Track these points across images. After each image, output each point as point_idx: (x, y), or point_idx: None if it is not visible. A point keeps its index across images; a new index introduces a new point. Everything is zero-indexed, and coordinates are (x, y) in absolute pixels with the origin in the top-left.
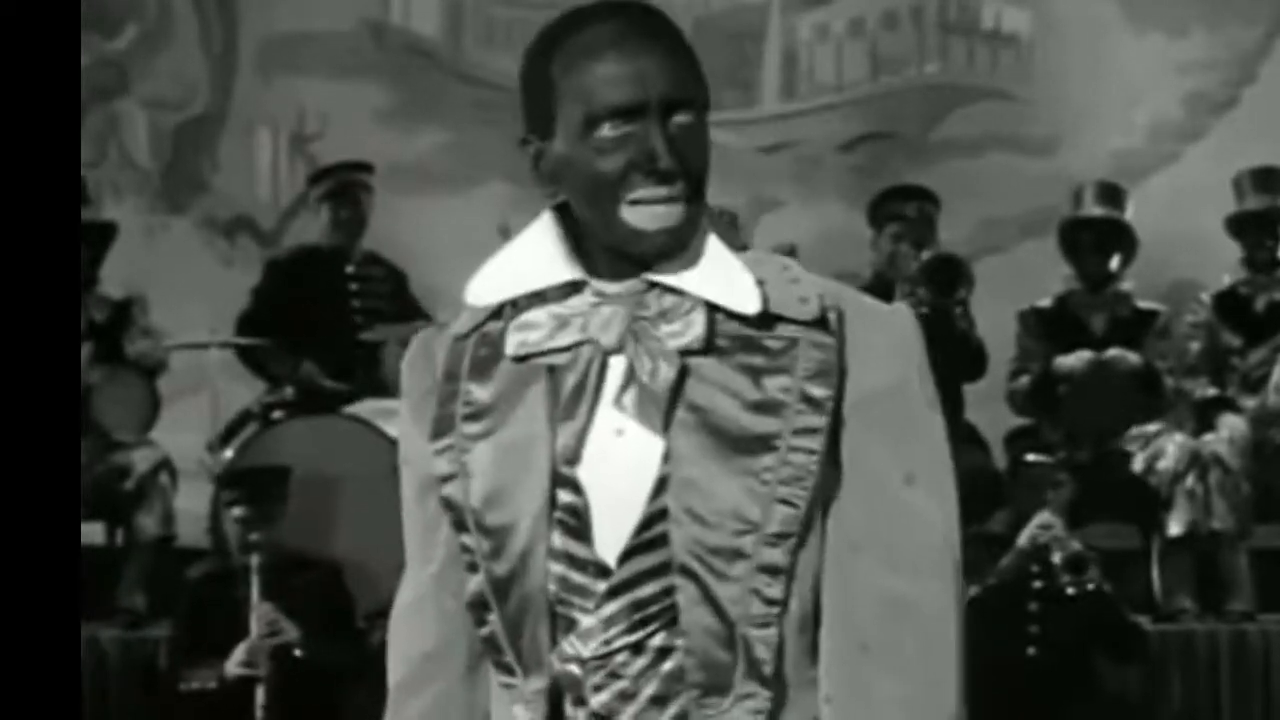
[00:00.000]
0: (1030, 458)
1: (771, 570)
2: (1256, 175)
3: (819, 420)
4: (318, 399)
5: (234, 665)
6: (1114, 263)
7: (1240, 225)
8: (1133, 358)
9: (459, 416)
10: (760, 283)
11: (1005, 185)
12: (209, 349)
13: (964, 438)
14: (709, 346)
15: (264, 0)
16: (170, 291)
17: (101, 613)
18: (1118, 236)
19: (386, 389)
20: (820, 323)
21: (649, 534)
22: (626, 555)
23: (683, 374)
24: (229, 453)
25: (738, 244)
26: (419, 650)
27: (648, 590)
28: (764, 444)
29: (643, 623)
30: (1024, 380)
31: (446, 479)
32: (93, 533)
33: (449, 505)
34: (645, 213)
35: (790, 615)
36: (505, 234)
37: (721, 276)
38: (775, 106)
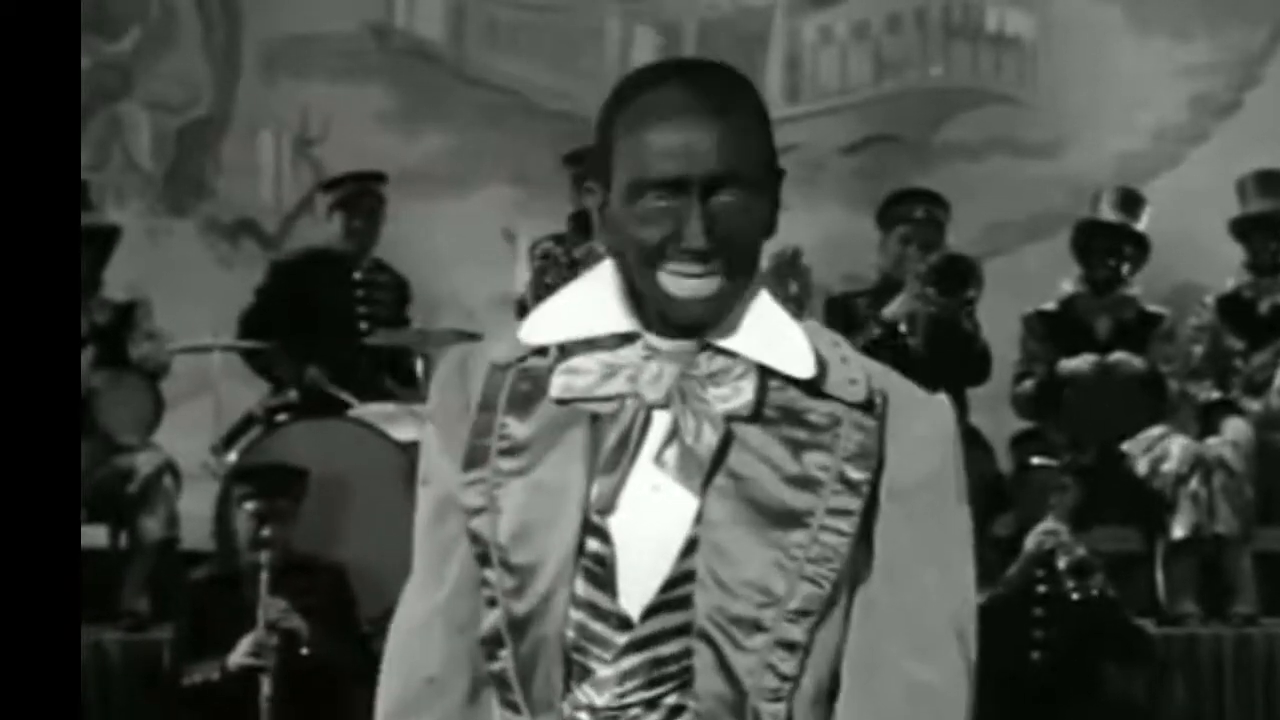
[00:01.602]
0: (1035, 461)
1: (789, 646)
2: (1260, 179)
3: (854, 503)
4: (322, 402)
5: (239, 656)
6: (1124, 268)
7: (1244, 229)
8: (1137, 361)
9: (494, 450)
10: (814, 350)
11: (1009, 188)
12: (212, 352)
13: (968, 441)
14: (755, 414)
15: (267, 2)
16: (173, 294)
17: (105, 615)
18: (1131, 244)
19: (390, 394)
20: (866, 406)
21: (674, 593)
22: (650, 612)
23: (726, 438)
24: (233, 456)
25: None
26: (422, 674)
27: (667, 649)
28: (797, 520)
29: (659, 680)
30: (1028, 383)
31: (475, 512)
32: (96, 535)
33: (475, 539)
34: (680, 283)
35: (802, 691)
36: (510, 239)
37: (775, 339)
38: (779, 109)
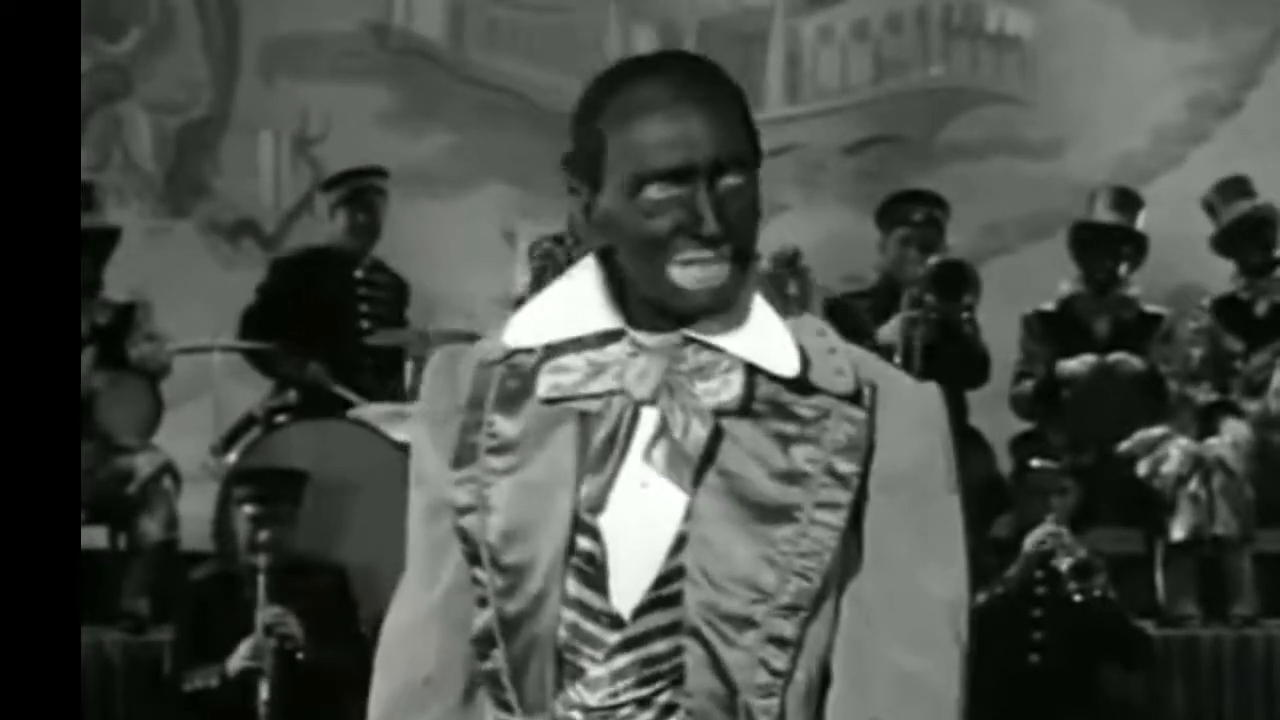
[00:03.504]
0: (1035, 463)
1: (780, 642)
2: (1226, 186)
3: (844, 496)
4: (321, 403)
5: (238, 660)
6: (1122, 269)
7: (1227, 240)
8: (1136, 362)
9: (483, 449)
10: (799, 347)
11: (1009, 189)
12: (212, 353)
13: (968, 442)
14: (744, 408)
15: (266, 2)
16: (173, 295)
17: (104, 617)
18: (1128, 243)
19: (391, 394)
20: (854, 397)
21: (664, 591)
22: (641, 610)
23: (715, 434)
24: (232, 457)
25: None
26: (417, 674)
27: (659, 647)
28: (786, 515)
29: (651, 679)
30: (1028, 384)
31: (465, 510)
32: (95, 537)
33: (465, 538)
34: (690, 273)
35: (794, 686)
36: (509, 240)
37: (763, 337)
38: (779, 110)
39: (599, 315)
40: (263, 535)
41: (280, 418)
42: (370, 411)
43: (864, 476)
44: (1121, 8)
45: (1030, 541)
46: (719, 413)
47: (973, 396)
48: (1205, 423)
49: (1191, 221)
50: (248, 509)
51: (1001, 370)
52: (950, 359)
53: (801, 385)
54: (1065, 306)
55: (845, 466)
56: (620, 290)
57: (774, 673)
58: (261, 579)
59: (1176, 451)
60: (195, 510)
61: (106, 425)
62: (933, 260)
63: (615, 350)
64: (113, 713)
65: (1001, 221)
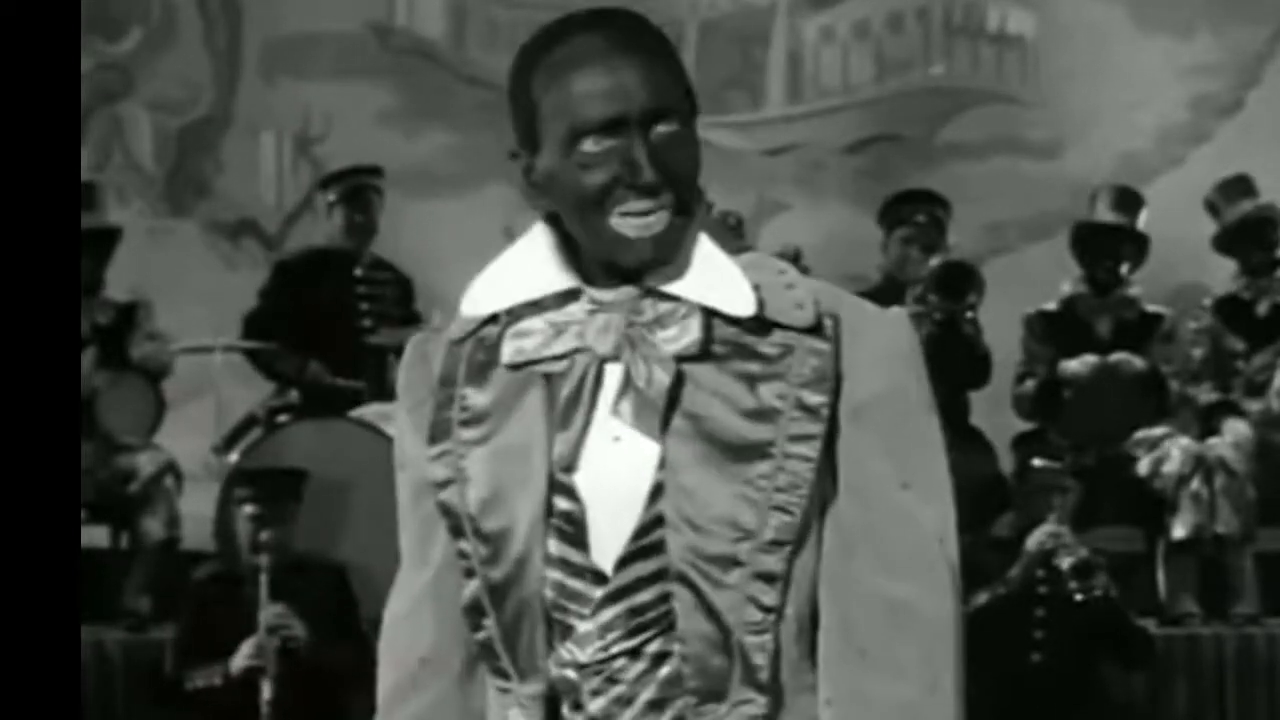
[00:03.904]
0: (1036, 463)
1: (767, 578)
2: (1229, 186)
3: (815, 427)
4: (323, 402)
5: (241, 659)
6: (1123, 269)
7: (1229, 240)
8: (1138, 362)
9: (455, 422)
10: (756, 287)
11: (1010, 188)
12: (213, 352)
13: (970, 442)
14: (705, 352)
15: (268, 2)
16: (174, 295)
17: (106, 616)
18: (1130, 243)
19: (393, 393)
20: (816, 328)
21: (645, 540)
22: (623, 562)
23: (679, 380)
24: (234, 456)
25: (739, 247)
26: (415, 655)
27: (644, 596)
28: (759, 451)
29: (640, 629)
30: (1029, 384)
31: (443, 484)
32: (97, 536)
33: (445, 510)
34: (631, 222)
35: (786, 622)
36: (511, 238)
37: (716, 280)
38: (780, 109)
39: (555, 276)
40: (264, 535)
41: (282, 417)
42: (372, 410)
43: (834, 407)
44: (1123, 7)
45: (1032, 541)
46: (681, 359)
47: (974, 396)
48: (1207, 422)
49: (1193, 221)
50: (248, 509)
51: (1003, 370)
52: (952, 359)
53: (761, 323)
54: (1067, 306)
55: (814, 398)
56: (573, 250)
57: (764, 609)
58: (263, 578)
59: (1178, 451)
60: (197, 510)
61: (108, 425)
62: (935, 260)
63: (574, 309)
64: (113, 712)
65: (1003, 221)
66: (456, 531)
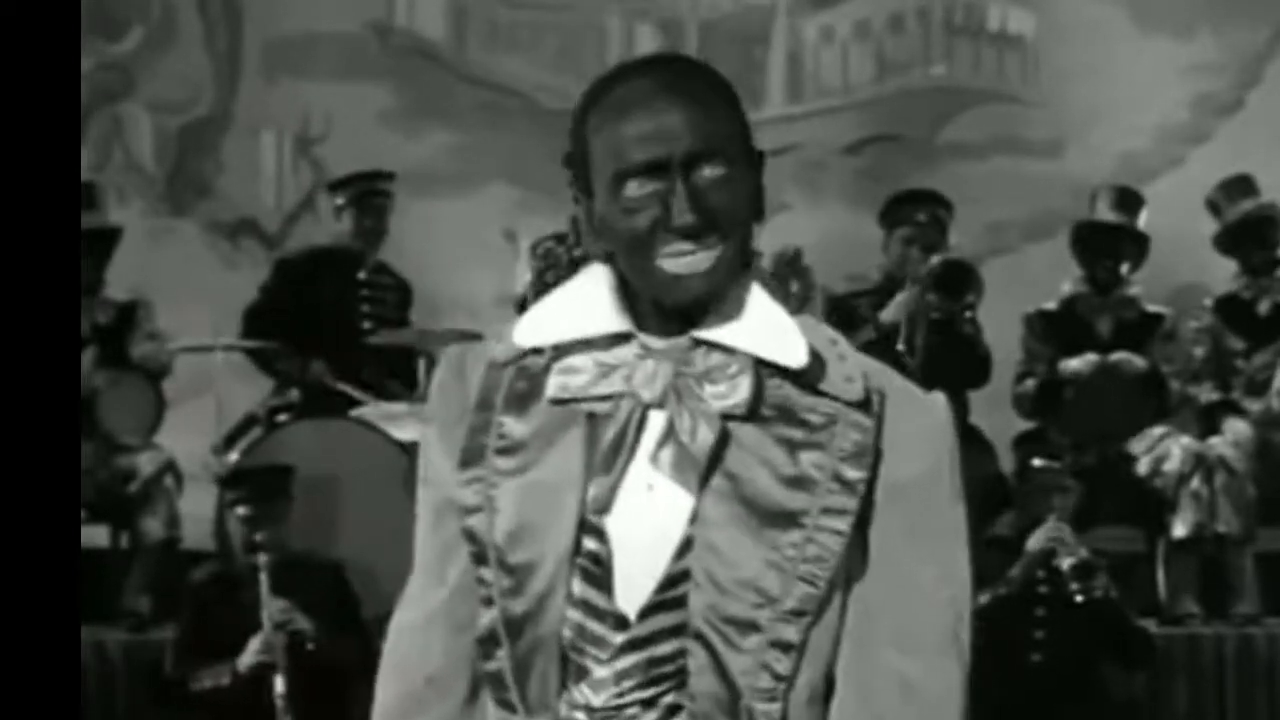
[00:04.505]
0: (1037, 462)
1: (784, 646)
2: (1230, 185)
3: (850, 502)
4: (323, 402)
5: (250, 656)
6: (1124, 268)
7: (1229, 239)
8: (1138, 361)
9: (491, 449)
10: (809, 345)
11: (1011, 188)
12: (213, 352)
13: (970, 442)
14: (752, 412)
15: (268, 2)
16: (174, 294)
17: (106, 616)
18: (1130, 243)
19: (393, 394)
20: (863, 404)
21: (670, 593)
22: (646, 612)
23: (722, 438)
24: (234, 456)
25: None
26: (423, 673)
27: (664, 649)
28: (792, 520)
29: (656, 680)
30: (1030, 383)
31: (471, 510)
32: (97, 535)
33: (471, 537)
34: (678, 262)
35: (797, 690)
36: (511, 239)
37: (769, 330)
38: (780, 109)
39: (608, 317)
40: (258, 535)
41: (282, 417)
42: (371, 410)
43: (870, 484)
44: (1123, 7)
45: (1033, 541)
46: (727, 416)
47: (975, 396)
48: (1207, 422)
49: (1193, 221)
50: (239, 510)
51: (1003, 370)
52: (952, 359)
53: (810, 390)
54: (1067, 306)
55: (852, 473)
56: (628, 294)
57: (777, 677)
58: (264, 576)
59: (1178, 450)
60: (197, 509)
61: (108, 424)
62: (935, 260)
63: (624, 353)
64: (113, 712)
65: (1003, 221)
66: (479, 559)
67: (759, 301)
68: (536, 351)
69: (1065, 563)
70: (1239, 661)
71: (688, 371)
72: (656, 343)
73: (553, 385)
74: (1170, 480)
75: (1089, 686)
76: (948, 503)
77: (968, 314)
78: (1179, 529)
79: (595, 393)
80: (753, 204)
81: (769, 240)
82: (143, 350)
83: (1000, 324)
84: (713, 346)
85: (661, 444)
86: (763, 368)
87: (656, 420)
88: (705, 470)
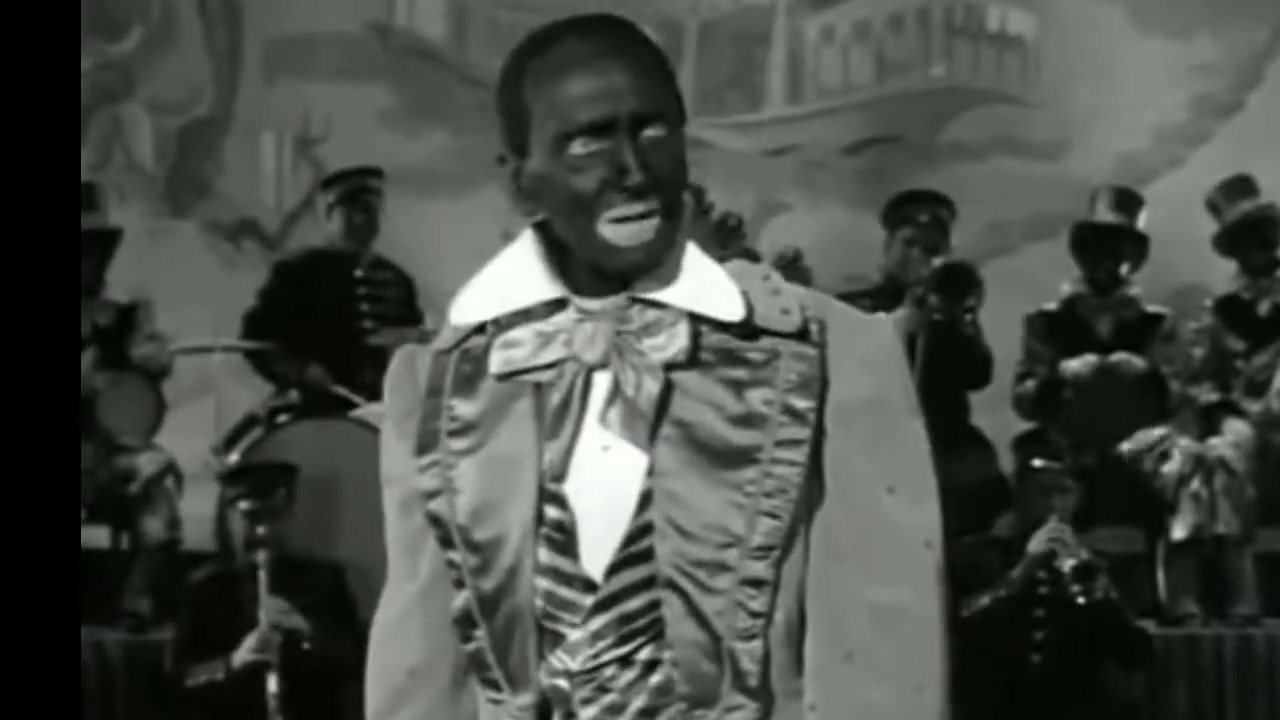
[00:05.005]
0: (1037, 463)
1: (756, 583)
2: (1230, 186)
3: (802, 432)
4: (322, 403)
5: (245, 653)
6: (1123, 269)
7: (1229, 240)
8: (1138, 362)
9: (444, 432)
10: (743, 293)
11: (1011, 189)
12: (213, 353)
13: (970, 442)
14: (692, 359)
15: (268, 2)
16: (175, 295)
17: (106, 616)
18: (1129, 243)
19: None
20: (802, 334)
21: (635, 548)
22: (613, 569)
23: (667, 388)
24: (234, 456)
25: (727, 255)
26: (404, 666)
27: (634, 604)
28: (746, 457)
29: (630, 636)
30: (1030, 384)
31: (432, 495)
32: (98, 536)
33: (435, 521)
34: (621, 230)
35: (775, 627)
36: (508, 240)
37: (703, 286)
38: (780, 110)
39: (542, 285)
40: (259, 530)
41: (282, 417)
42: (371, 410)
43: (820, 412)
44: (1122, 8)
45: (1034, 542)
46: (669, 366)
47: (975, 396)
48: (1207, 422)
49: (1193, 221)
50: (242, 505)
51: (1004, 370)
52: (953, 359)
53: (748, 329)
54: (1067, 306)
55: (801, 403)
56: (561, 259)
57: (753, 614)
58: (262, 573)
59: (1178, 451)
60: (197, 510)
61: (108, 425)
62: (936, 262)
63: (562, 319)
64: (113, 713)
65: (1003, 222)
66: (446, 542)
67: (693, 258)
68: (479, 331)
69: (1066, 565)
70: (1239, 662)
71: (626, 329)
72: (593, 304)
73: (496, 361)
74: (1170, 481)
75: (1089, 687)
76: (903, 421)
77: (968, 315)
78: (1179, 530)
79: (538, 362)
80: (685, 167)
81: (769, 240)
82: (143, 351)
83: (1000, 325)
84: (649, 303)
85: (609, 403)
86: (699, 315)
87: (601, 381)
88: (654, 422)
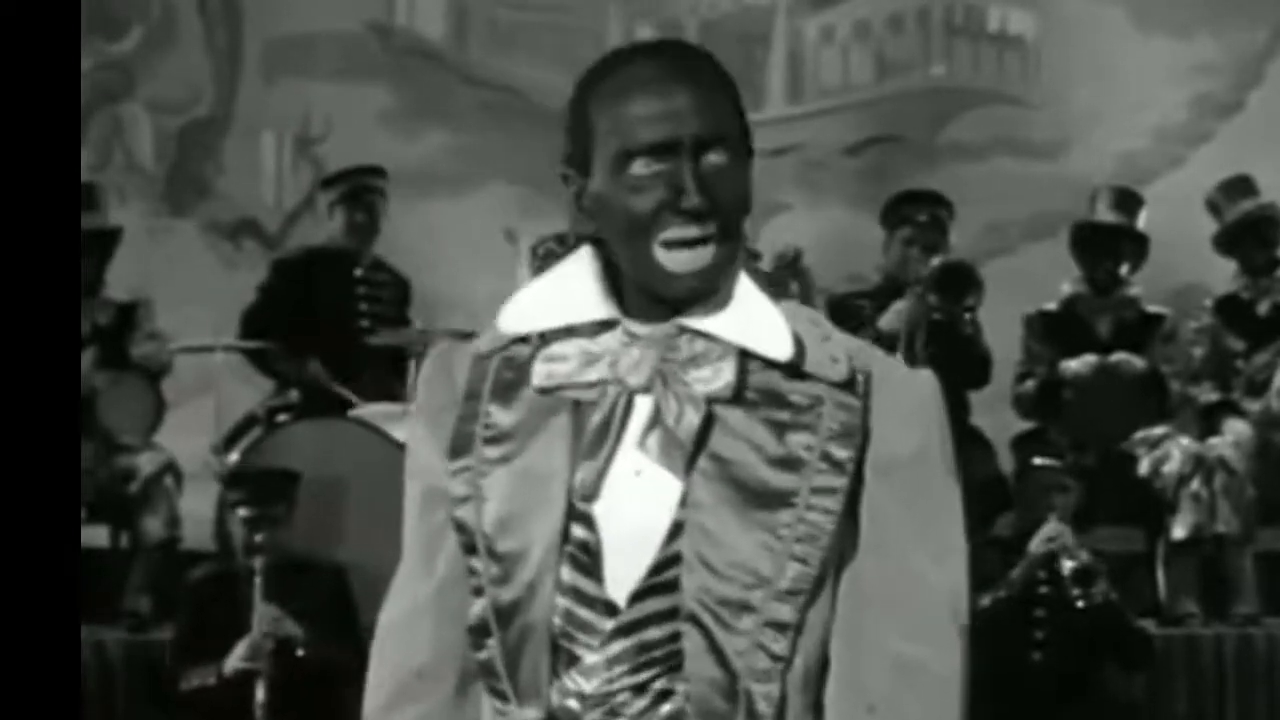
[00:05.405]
0: (1037, 462)
1: (779, 626)
2: (1230, 186)
3: (838, 481)
4: (322, 402)
5: (235, 660)
6: (1123, 269)
7: (1229, 240)
8: (1138, 362)
9: (479, 439)
10: (794, 334)
11: (1011, 189)
12: (213, 352)
13: (970, 442)
14: (737, 396)
15: (268, 2)
16: (174, 294)
17: (106, 616)
18: (1129, 243)
19: (392, 394)
20: (848, 384)
21: (660, 578)
22: (636, 597)
23: (708, 421)
24: (234, 456)
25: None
26: (411, 666)
27: (655, 634)
28: (782, 500)
29: (647, 665)
30: (1030, 384)
31: (461, 500)
32: (97, 536)
33: (460, 527)
34: (676, 256)
35: (794, 671)
36: (511, 239)
37: (754, 321)
38: (780, 109)
39: (593, 304)
40: (258, 537)
41: (282, 417)
42: (371, 410)
43: (859, 463)
44: (1123, 7)
45: (1035, 543)
46: (712, 400)
47: (975, 396)
48: (1207, 422)
49: (1193, 221)
50: (241, 512)
51: (1003, 370)
52: (952, 359)
53: (795, 372)
54: (1067, 306)
55: (841, 452)
56: (614, 280)
57: (773, 657)
58: (258, 580)
59: (1178, 451)
60: (197, 509)
61: (108, 424)
62: (936, 261)
63: (609, 339)
64: (113, 712)
65: (1003, 222)
66: (469, 549)
67: (745, 291)
68: (522, 340)
69: (1066, 567)
70: (1239, 662)
71: (672, 357)
72: (642, 329)
73: (539, 373)
74: (1170, 481)
75: (1089, 687)
76: (940, 479)
77: (968, 316)
78: (1179, 530)
79: (581, 380)
80: (749, 197)
81: (769, 240)
82: (143, 350)
83: (1000, 324)
84: (698, 334)
85: (648, 429)
86: (747, 352)
87: (643, 406)
88: (692, 454)
